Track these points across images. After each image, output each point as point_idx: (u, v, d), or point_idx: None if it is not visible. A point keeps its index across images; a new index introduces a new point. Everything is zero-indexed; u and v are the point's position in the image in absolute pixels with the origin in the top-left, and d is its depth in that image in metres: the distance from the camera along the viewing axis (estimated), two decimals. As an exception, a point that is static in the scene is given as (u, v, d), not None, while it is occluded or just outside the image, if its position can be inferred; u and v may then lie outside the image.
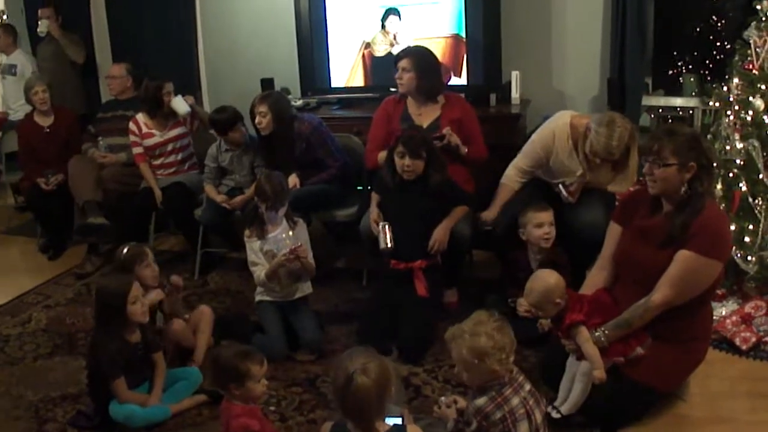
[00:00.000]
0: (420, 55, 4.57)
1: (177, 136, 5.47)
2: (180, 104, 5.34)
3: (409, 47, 4.70)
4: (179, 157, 5.52)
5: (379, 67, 5.59)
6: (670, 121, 5.94)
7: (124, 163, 5.62)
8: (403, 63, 4.53)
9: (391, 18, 5.53)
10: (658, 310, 3.22)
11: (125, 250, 3.99)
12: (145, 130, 5.41)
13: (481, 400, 2.81)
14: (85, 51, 6.67)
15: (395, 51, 5.41)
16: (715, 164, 3.60)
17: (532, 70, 5.59)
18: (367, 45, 5.62)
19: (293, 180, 4.84)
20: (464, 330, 2.82)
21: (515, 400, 2.82)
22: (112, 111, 5.84)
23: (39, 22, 6.44)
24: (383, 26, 5.56)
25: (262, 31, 6.14)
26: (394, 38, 5.55)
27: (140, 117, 5.43)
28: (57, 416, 3.67)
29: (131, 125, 5.43)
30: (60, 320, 4.73)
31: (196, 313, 4.21)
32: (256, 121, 4.83)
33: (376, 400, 2.57)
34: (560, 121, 4.30)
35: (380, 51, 5.60)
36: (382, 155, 4.45)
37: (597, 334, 3.23)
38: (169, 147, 5.46)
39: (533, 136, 4.42)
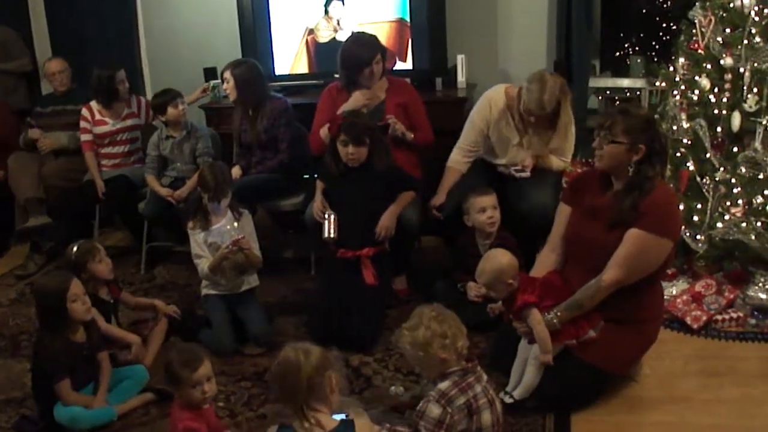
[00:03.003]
0: (381, 45, 4.55)
1: (130, 127, 5.39)
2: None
3: (363, 39, 4.56)
4: (127, 148, 5.41)
5: (323, 54, 5.50)
6: (617, 102, 5.97)
7: (65, 149, 5.50)
8: (379, 58, 4.45)
9: (335, 3, 5.44)
10: (609, 290, 3.20)
11: (75, 248, 3.88)
12: (98, 117, 5.31)
13: (444, 384, 2.76)
14: (28, 56, 6.39)
15: (339, 37, 5.38)
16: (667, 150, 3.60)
17: (478, 54, 5.55)
18: (311, 31, 5.52)
19: (235, 171, 4.78)
20: (404, 327, 2.82)
21: (478, 388, 2.78)
22: (51, 105, 5.71)
23: None
24: (326, 12, 5.48)
25: (204, 19, 6.00)
26: (338, 24, 5.47)
27: (94, 104, 5.33)
28: (0, 421, 3.53)
29: (84, 111, 5.32)
30: (2, 322, 4.58)
31: (157, 327, 4.13)
32: (223, 86, 4.98)
33: (306, 379, 2.53)
34: (495, 91, 4.42)
35: (324, 37, 5.51)
36: (324, 131, 4.39)
37: (549, 316, 3.21)
38: (119, 137, 5.35)
39: (471, 113, 4.48)
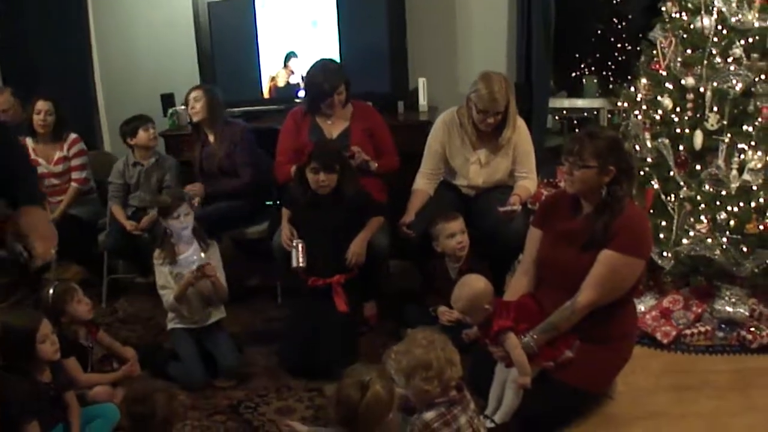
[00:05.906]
0: (345, 74, 4.53)
1: (61, 173, 5.19)
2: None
3: (329, 68, 4.52)
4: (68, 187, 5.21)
5: (281, 90, 5.58)
6: (575, 122, 6.02)
7: None
8: (342, 89, 4.45)
9: (293, 59, 5.51)
10: (583, 311, 3.20)
11: (51, 291, 3.75)
12: (32, 156, 5.07)
13: (429, 414, 2.74)
14: None
15: (293, 80, 5.47)
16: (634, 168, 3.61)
17: (439, 77, 5.56)
18: (272, 78, 5.55)
19: (198, 187, 4.77)
20: (394, 350, 2.78)
21: (463, 419, 2.76)
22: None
23: None
24: (285, 65, 5.53)
25: (161, 45, 5.90)
26: (292, 71, 5.52)
27: (29, 140, 5.15)
28: (-37, 469, 3.42)
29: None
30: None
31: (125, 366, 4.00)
32: (190, 106, 4.83)
33: (383, 415, 2.57)
34: (447, 113, 4.52)
35: (281, 83, 5.57)
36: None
37: (525, 339, 3.20)
38: (54, 181, 5.17)
39: (428, 138, 4.51)
